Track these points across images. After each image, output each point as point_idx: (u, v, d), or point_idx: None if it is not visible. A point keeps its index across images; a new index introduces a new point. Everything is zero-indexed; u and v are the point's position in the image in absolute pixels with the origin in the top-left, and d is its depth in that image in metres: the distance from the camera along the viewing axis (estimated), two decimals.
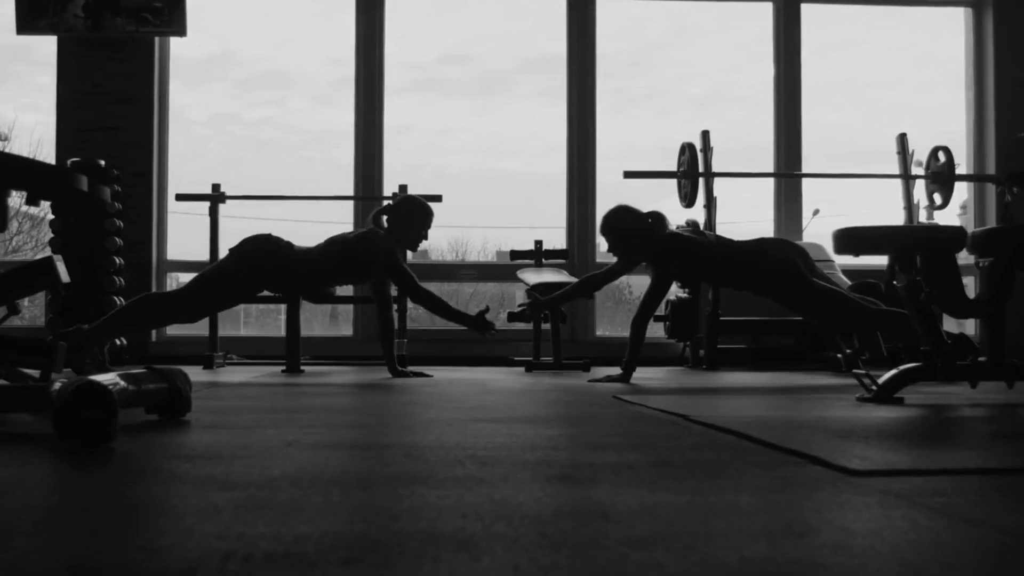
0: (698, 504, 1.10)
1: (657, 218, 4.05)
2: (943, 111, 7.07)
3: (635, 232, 4.02)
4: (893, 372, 2.76)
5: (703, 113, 8.36)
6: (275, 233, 4.25)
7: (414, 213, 4.41)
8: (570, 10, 6.23)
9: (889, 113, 7.70)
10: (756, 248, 4.10)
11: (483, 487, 1.20)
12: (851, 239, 2.82)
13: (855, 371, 2.97)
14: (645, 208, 4.11)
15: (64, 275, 3.28)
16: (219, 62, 8.49)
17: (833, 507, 1.08)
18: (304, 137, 8.46)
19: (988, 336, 2.83)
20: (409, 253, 4.60)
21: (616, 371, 3.95)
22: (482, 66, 8.32)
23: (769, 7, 6.34)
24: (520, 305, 4.62)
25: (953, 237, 2.78)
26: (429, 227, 4.44)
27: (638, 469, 1.37)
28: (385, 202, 5.90)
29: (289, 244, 4.24)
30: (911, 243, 2.80)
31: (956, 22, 6.56)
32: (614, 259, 4.25)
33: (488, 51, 7.84)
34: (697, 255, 4.07)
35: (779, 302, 4.14)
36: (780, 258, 4.05)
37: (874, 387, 2.75)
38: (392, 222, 4.39)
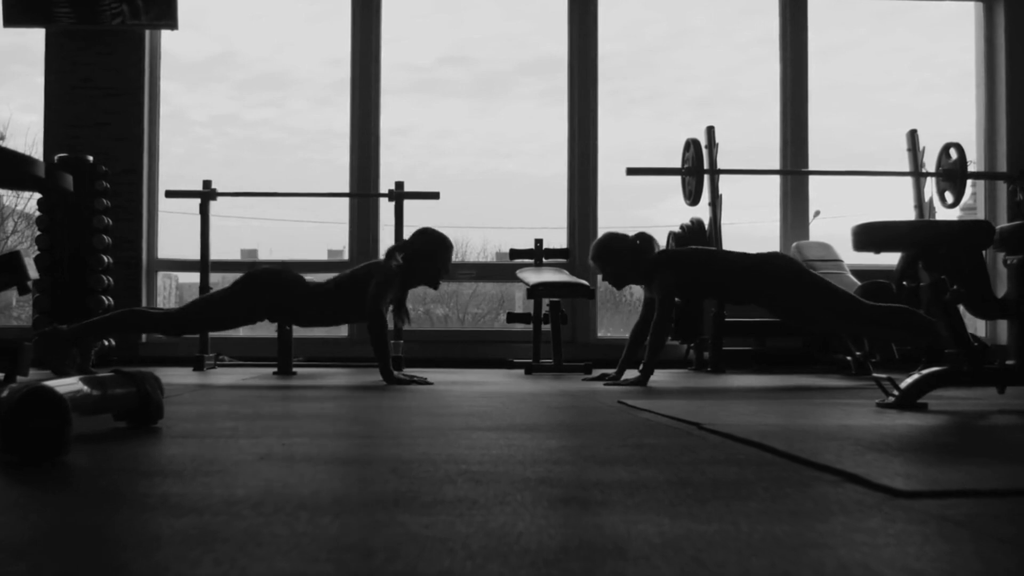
0: (730, 535, 0.93)
1: (645, 239, 3.94)
2: (947, 112, 6.93)
3: (626, 253, 3.91)
4: (915, 377, 2.60)
5: (703, 114, 8.24)
6: (287, 267, 4.04)
7: (432, 247, 3.95)
8: (571, 11, 6.06)
9: (892, 115, 7.56)
10: (760, 260, 3.96)
11: (476, 512, 1.04)
12: (872, 235, 2.65)
13: (874, 375, 2.80)
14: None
15: (32, 271, 3.13)
16: (219, 63, 8.36)
17: (889, 540, 0.91)
18: (303, 138, 8.33)
19: (1017, 338, 2.66)
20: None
21: (611, 371, 4.00)
22: (482, 67, 8.18)
23: (774, 3, 6.17)
24: (606, 379, 3.96)
25: (981, 232, 2.60)
26: (450, 261, 4.00)
27: (654, 489, 1.20)
28: (381, 199, 5.76)
29: (300, 279, 3.97)
30: (937, 238, 2.62)
31: (961, 20, 6.38)
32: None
33: (488, 52, 7.70)
34: (696, 265, 3.96)
35: (788, 314, 4.00)
36: (785, 264, 3.95)
37: (895, 392, 2.58)
38: (408, 259, 3.92)
